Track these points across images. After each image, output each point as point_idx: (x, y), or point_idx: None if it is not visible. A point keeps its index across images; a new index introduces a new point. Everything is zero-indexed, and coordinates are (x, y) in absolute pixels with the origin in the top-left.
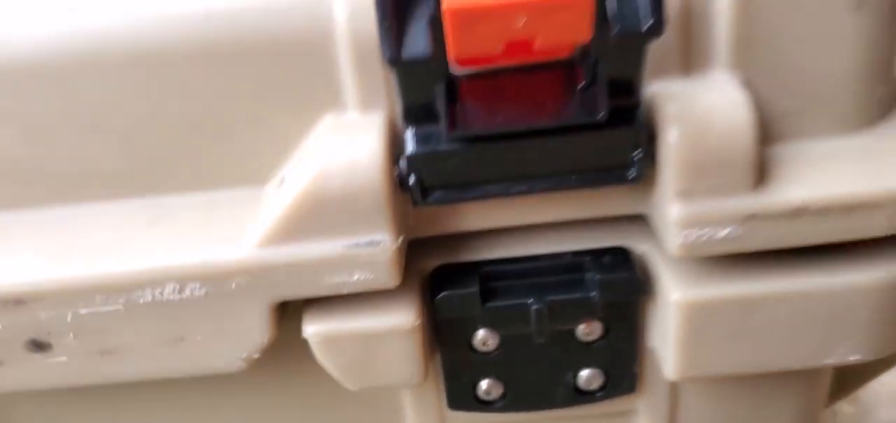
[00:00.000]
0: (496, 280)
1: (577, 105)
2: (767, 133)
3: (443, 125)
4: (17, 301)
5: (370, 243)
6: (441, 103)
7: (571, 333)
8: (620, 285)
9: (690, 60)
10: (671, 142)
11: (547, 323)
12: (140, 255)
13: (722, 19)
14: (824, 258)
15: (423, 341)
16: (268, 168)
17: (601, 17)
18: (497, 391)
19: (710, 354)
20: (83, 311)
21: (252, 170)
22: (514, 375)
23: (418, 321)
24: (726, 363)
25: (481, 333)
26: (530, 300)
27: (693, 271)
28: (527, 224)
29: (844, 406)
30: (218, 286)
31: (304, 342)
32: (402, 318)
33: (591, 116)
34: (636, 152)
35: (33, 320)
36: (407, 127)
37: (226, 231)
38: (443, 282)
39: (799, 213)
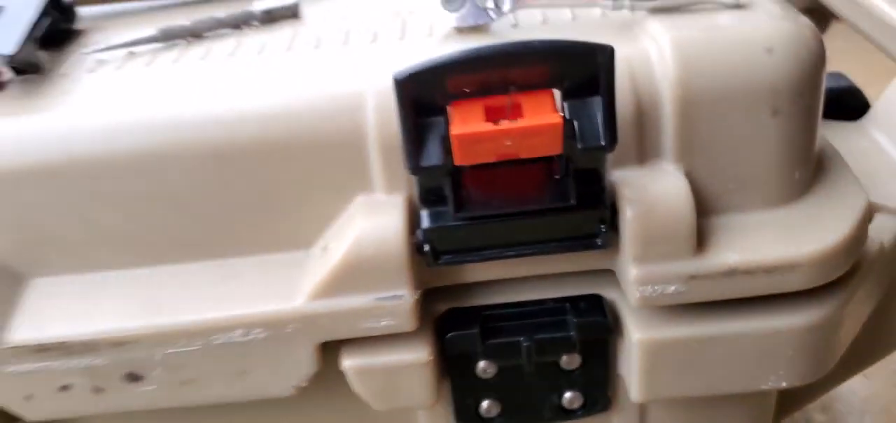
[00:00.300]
0: (494, 322)
1: (555, 192)
2: (707, 208)
3: (450, 207)
4: (118, 344)
5: (394, 297)
6: (448, 192)
7: (556, 363)
8: (594, 327)
9: (644, 154)
10: (628, 218)
11: (535, 356)
12: (214, 307)
13: (667, 124)
14: (754, 307)
15: (435, 372)
16: (312, 236)
17: (569, 137)
18: (495, 410)
19: (667, 381)
20: (170, 351)
21: (299, 237)
22: (509, 397)
23: (431, 357)
24: (680, 388)
25: (482, 363)
26: (522, 338)
27: (651, 317)
28: (518, 277)
29: (817, 415)
30: (276, 331)
31: (341, 373)
32: (419, 354)
33: (564, 201)
34: (602, 226)
35: (130, 358)
36: (422, 207)
37: (281, 287)
38: (451, 323)
39: (730, 273)
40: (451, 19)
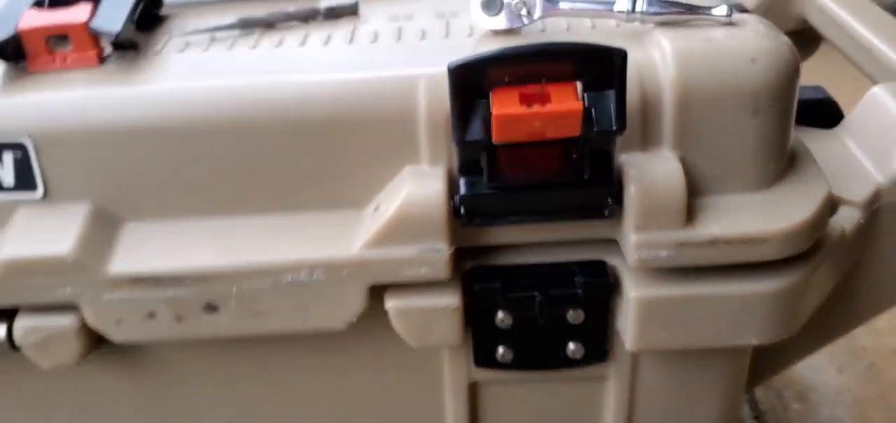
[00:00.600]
0: (513, 279)
1: (572, 169)
2: (696, 189)
3: (484, 177)
4: (200, 278)
5: (433, 250)
6: (485, 164)
7: (563, 317)
8: (597, 287)
9: (647, 141)
10: (631, 194)
11: (546, 310)
12: (284, 251)
13: (667, 116)
14: (732, 274)
15: (461, 317)
16: (366, 197)
17: (587, 122)
18: (509, 356)
19: (656, 334)
20: (244, 286)
21: (356, 198)
22: (522, 345)
23: (459, 304)
24: (668, 341)
25: (500, 314)
26: (536, 293)
27: (646, 278)
28: (536, 242)
29: (793, 403)
30: (334, 273)
31: (383, 315)
32: (450, 300)
33: (580, 176)
34: (610, 199)
35: (210, 291)
36: (461, 177)
37: (339, 237)
38: (477, 278)
39: (713, 243)
40: (490, 22)
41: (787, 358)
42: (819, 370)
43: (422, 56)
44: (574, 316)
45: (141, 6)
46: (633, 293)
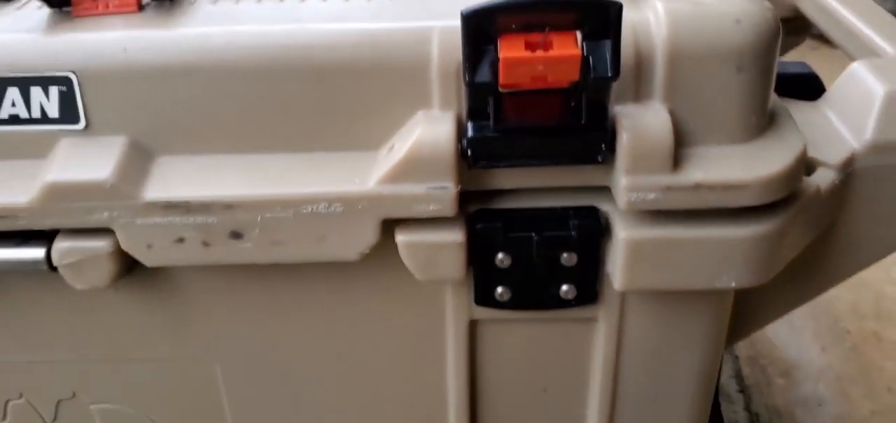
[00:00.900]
0: (513, 221)
1: (570, 115)
2: (683, 140)
3: (491, 121)
4: (228, 206)
5: (441, 188)
6: (491, 109)
7: (557, 259)
8: (589, 229)
9: (639, 94)
10: (623, 141)
11: (543, 250)
12: (305, 184)
13: (658, 72)
14: (714, 218)
15: (464, 253)
16: (382, 139)
17: (585, 67)
18: (507, 295)
19: (643, 274)
20: (267, 215)
21: (372, 139)
22: (519, 285)
23: (464, 240)
24: (654, 281)
25: (501, 255)
26: (533, 234)
27: (634, 220)
28: (534, 187)
29: (777, 379)
30: (350, 206)
31: (393, 249)
32: (455, 236)
33: (577, 122)
34: (604, 146)
35: (236, 219)
36: (468, 120)
37: (356, 174)
38: (480, 219)
39: (697, 188)
40: None
41: (765, 314)
42: (803, 349)
43: (436, 9)
44: (568, 259)
45: None
46: (623, 234)
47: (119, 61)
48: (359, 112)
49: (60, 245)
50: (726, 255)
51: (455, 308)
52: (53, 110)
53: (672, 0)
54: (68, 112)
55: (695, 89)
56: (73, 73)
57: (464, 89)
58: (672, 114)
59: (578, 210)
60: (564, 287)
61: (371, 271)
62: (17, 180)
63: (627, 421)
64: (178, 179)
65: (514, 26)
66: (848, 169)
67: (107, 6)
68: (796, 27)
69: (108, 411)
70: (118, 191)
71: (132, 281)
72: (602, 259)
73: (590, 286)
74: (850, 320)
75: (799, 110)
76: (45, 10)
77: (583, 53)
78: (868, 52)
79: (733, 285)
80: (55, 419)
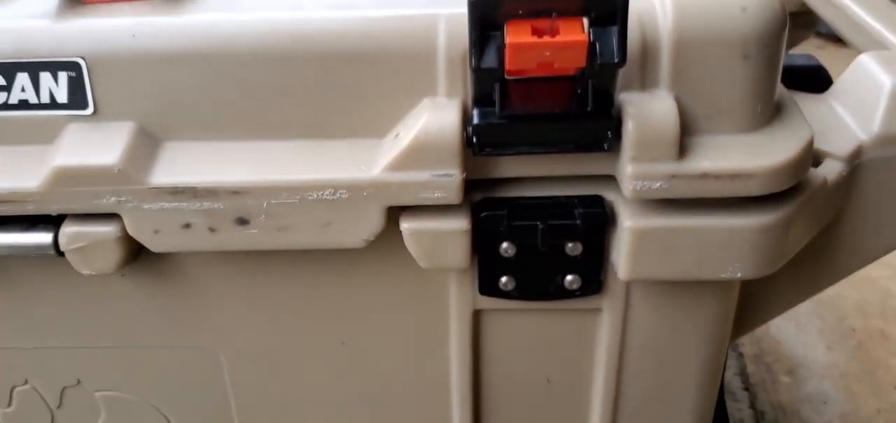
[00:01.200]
0: (518, 210)
1: (577, 101)
2: (689, 128)
3: (496, 108)
4: (234, 192)
5: (446, 175)
6: (497, 95)
7: (562, 248)
8: (595, 217)
9: (645, 82)
10: (629, 129)
11: (548, 239)
12: (311, 171)
13: (664, 60)
14: (720, 207)
15: (469, 242)
16: (388, 127)
17: (591, 53)
18: (511, 285)
19: (648, 263)
20: (273, 201)
21: (378, 127)
22: (524, 275)
23: (469, 228)
24: (658, 270)
25: (505, 244)
26: (538, 223)
27: (639, 209)
28: (540, 176)
29: (783, 377)
30: (356, 193)
31: (397, 237)
32: (460, 223)
33: (584, 109)
34: (610, 133)
35: (242, 205)
36: (474, 107)
37: (362, 161)
38: (485, 207)
39: (703, 176)
40: None
41: (771, 307)
42: (809, 347)
43: None
44: (572, 248)
45: None
46: (628, 223)
47: (127, 47)
48: (365, 99)
49: (68, 230)
50: (732, 245)
51: (459, 298)
52: (62, 96)
53: None
54: (77, 97)
55: (701, 77)
56: (82, 58)
57: (470, 76)
58: (678, 102)
59: (583, 199)
60: (569, 277)
61: (376, 258)
62: (26, 165)
63: (632, 413)
64: (185, 165)
65: (520, 12)
66: (855, 161)
67: None
68: (803, 21)
69: (113, 398)
70: (126, 176)
71: (138, 268)
72: (607, 249)
73: (594, 276)
74: (856, 318)
75: (806, 102)
76: None
77: (589, 39)
78: (875, 44)
79: (739, 275)
80: (60, 405)
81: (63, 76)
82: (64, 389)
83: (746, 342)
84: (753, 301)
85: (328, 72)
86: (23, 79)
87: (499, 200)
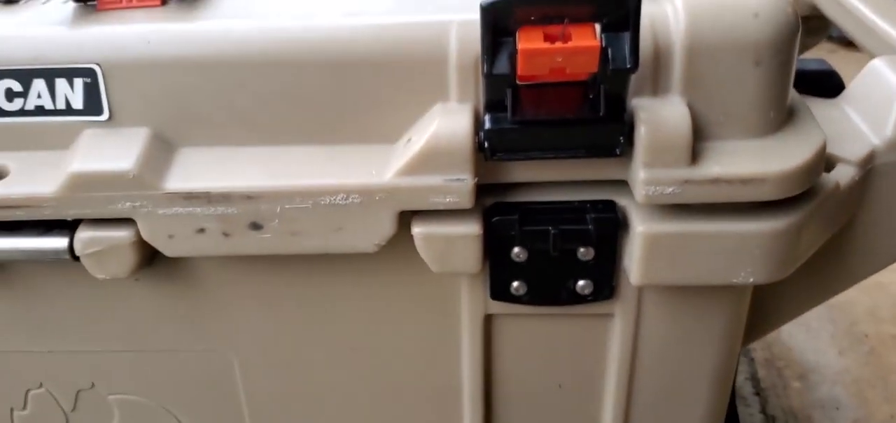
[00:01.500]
0: (529, 215)
1: (589, 107)
2: (702, 134)
3: (508, 113)
4: (248, 197)
5: (458, 180)
6: (509, 101)
7: (574, 253)
8: (607, 222)
9: (657, 87)
10: (642, 134)
11: (560, 244)
12: (323, 176)
13: (676, 65)
14: (732, 212)
15: (480, 246)
16: (399, 132)
17: (603, 59)
18: (523, 290)
19: (660, 268)
20: (287, 206)
21: (390, 132)
22: (535, 280)
23: (480, 232)
24: (670, 276)
25: (516, 249)
26: (550, 227)
27: (652, 214)
28: (552, 181)
29: (794, 382)
30: (368, 198)
31: (409, 241)
32: (471, 228)
33: (596, 113)
34: (622, 138)
35: (256, 210)
36: (486, 113)
37: (374, 166)
38: (496, 212)
39: (715, 181)
40: None
41: (782, 313)
42: (821, 353)
43: (452, 2)
44: (584, 253)
45: None
46: (640, 228)
47: (142, 54)
48: (377, 105)
49: (83, 235)
50: (744, 250)
51: (470, 303)
52: (78, 102)
53: None
54: (92, 103)
55: (713, 83)
56: (98, 65)
57: (482, 81)
58: (690, 107)
59: (595, 204)
60: (581, 282)
61: (387, 263)
62: (42, 170)
63: (643, 418)
64: (199, 170)
65: (532, 18)
66: (867, 166)
67: (130, 0)
68: (815, 26)
69: (127, 401)
70: (141, 181)
71: (152, 272)
72: (619, 254)
73: (606, 282)
74: (868, 324)
75: (818, 107)
76: (71, 4)
77: (602, 45)
78: (888, 48)
79: (751, 280)
80: (74, 409)
81: (79, 82)
82: (78, 392)
83: (757, 347)
84: (765, 306)
85: (340, 78)
86: (39, 85)
87: (510, 204)
